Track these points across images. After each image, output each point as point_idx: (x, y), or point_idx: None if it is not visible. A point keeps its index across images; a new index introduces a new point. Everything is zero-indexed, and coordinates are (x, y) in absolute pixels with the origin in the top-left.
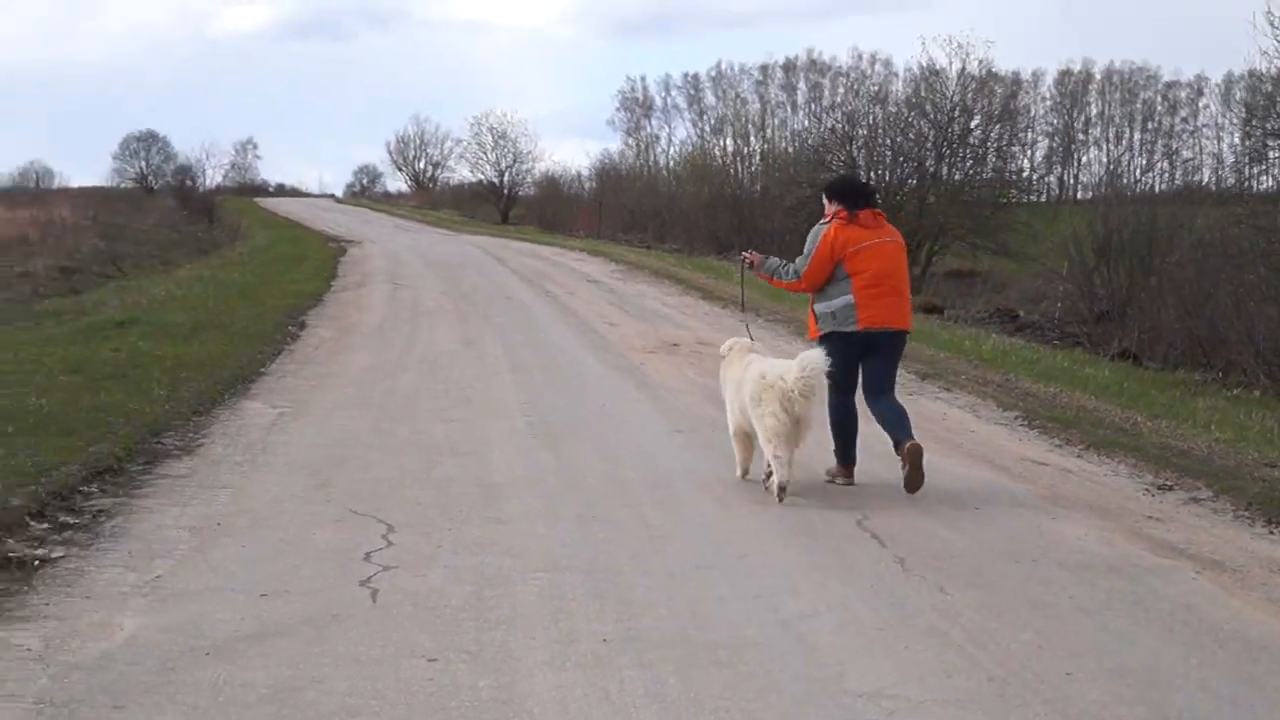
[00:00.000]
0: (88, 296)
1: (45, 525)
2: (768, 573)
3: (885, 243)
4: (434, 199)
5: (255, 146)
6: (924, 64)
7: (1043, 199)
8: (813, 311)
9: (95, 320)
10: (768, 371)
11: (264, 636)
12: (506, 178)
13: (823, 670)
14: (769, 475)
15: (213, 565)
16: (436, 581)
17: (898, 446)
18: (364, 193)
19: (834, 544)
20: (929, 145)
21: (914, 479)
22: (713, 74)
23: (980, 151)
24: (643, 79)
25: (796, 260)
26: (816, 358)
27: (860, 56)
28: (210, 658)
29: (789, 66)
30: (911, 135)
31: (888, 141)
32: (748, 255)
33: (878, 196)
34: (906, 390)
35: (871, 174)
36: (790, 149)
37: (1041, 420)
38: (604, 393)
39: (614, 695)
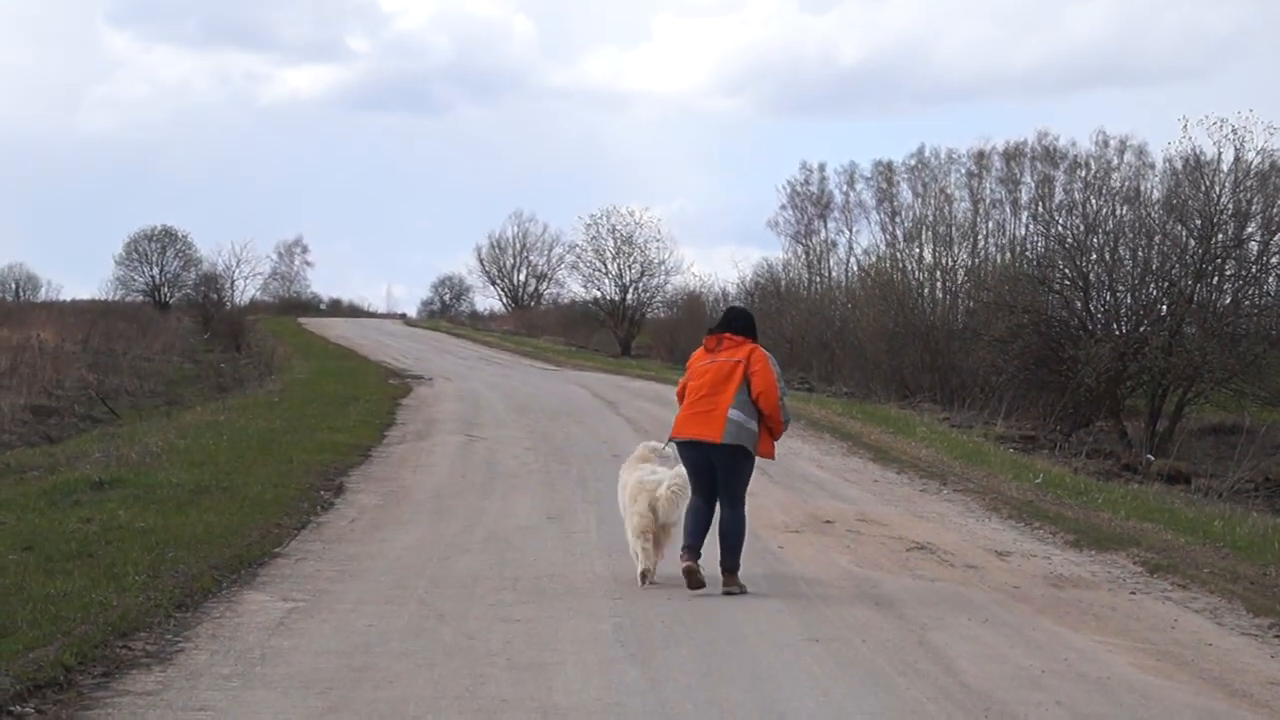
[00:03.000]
0: (63, 447)
1: None
2: None
3: (710, 364)
4: (534, 322)
5: (305, 250)
6: (1186, 153)
7: None
8: None
9: (66, 479)
10: (646, 477)
11: None
12: (630, 295)
13: None
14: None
15: None
16: None
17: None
18: (444, 312)
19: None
20: (1188, 259)
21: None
22: (912, 162)
23: (1256, 268)
24: (821, 168)
25: None
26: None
27: (1105, 142)
28: None
29: (1012, 154)
30: (1165, 246)
31: (1132, 254)
32: None
33: (740, 320)
34: (1128, 589)
35: (1108, 295)
36: (1005, 262)
37: None
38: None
39: None
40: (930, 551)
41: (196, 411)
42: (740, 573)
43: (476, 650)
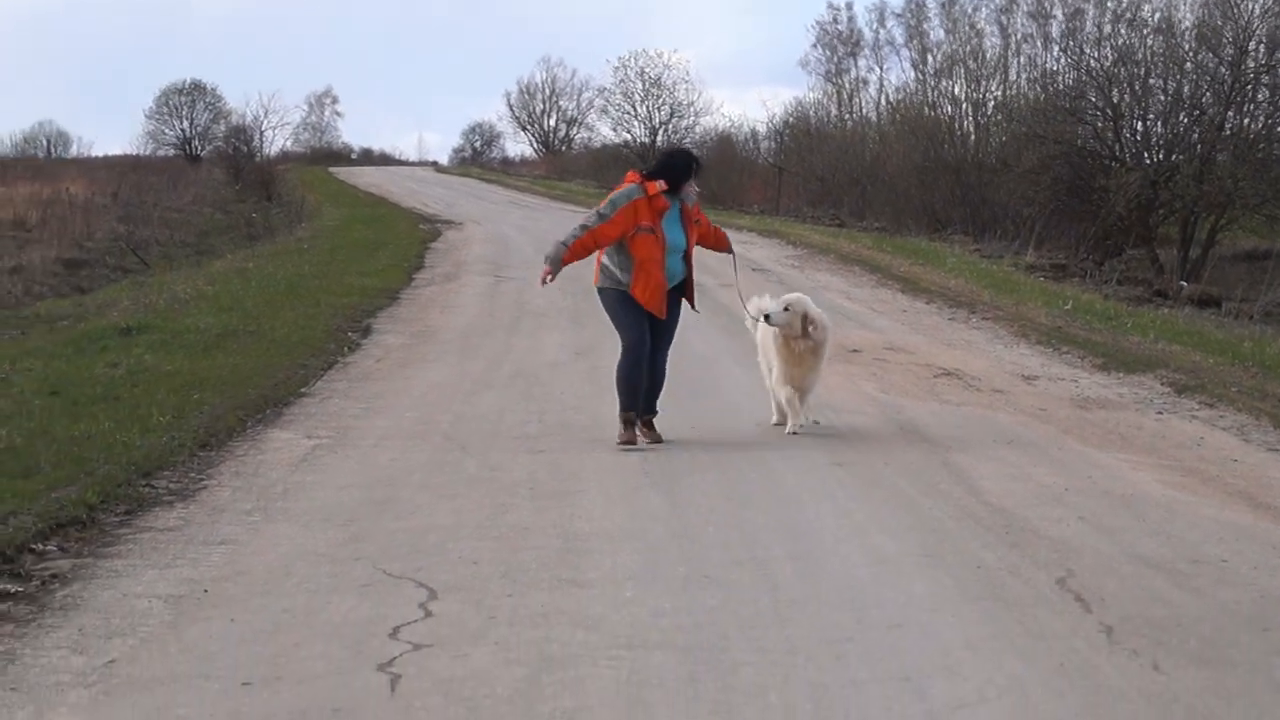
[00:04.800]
0: (93, 297)
1: None
2: (925, 648)
3: None
4: (565, 166)
5: (335, 100)
6: None
7: None
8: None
9: (94, 326)
10: None
11: None
12: (660, 137)
13: None
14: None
15: (186, 645)
16: (480, 664)
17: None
18: (476, 159)
19: (1022, 609)
20: (1219, 87)
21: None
22: None
23: None
24: (849, 5)
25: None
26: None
27: None
28: None
29: None
30: (1196, 74)
31: (1163, 83)
32: None
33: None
34: (1155, 409)
35: (1139, 125)
36: (1036, 96)
37: None
38: (750, 415)
39: None
40: (957, 377)
41: (226, 260)
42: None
43: (499, 481)
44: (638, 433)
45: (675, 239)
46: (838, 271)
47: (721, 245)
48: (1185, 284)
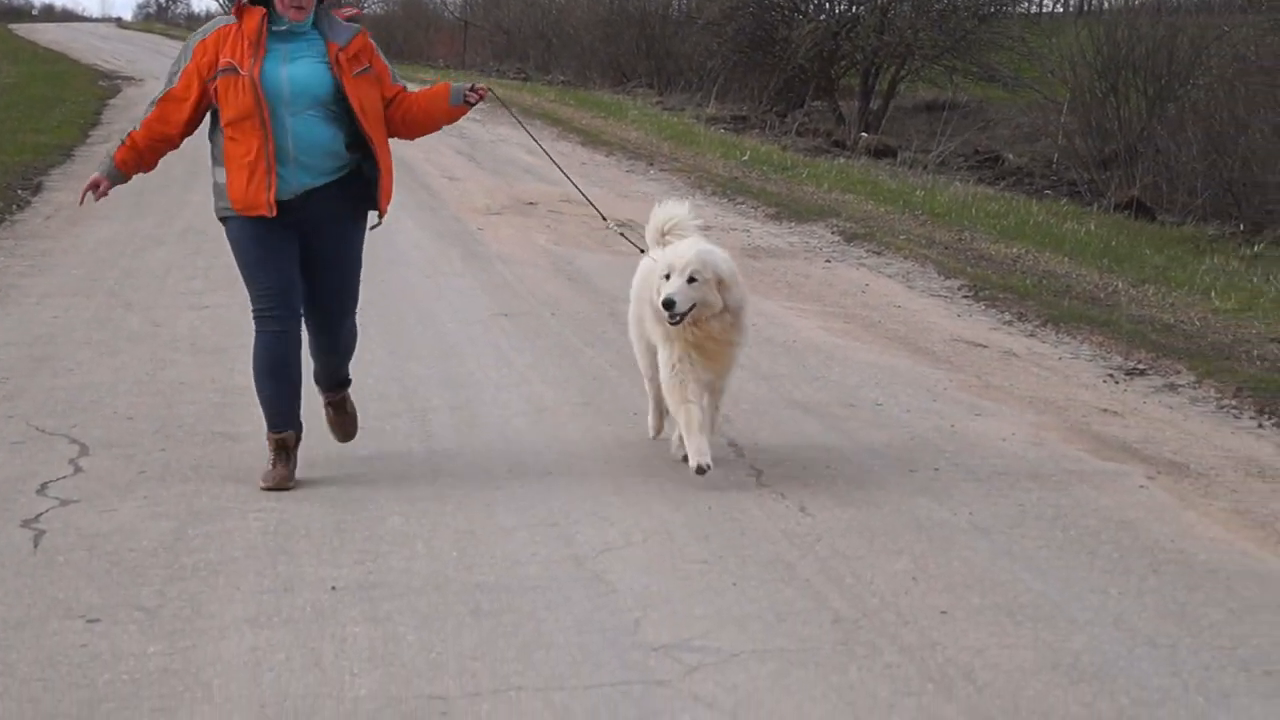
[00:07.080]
0: None
1: None
2: (573, 496)
3: None
4: None
5: None
6: None
7: (1049, 8)
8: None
9: None
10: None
11: None
12: None
13: (615, 618)
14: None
15: None
16: (127, 518)
17: None
18: (161, 15)
19: (674, 458)
20: None
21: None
22: None
23: None
24: None
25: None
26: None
27: None
28: None
29: None
30: None
31: None
32: None
33: None
34: (824, 258)
35: None
36: None
37: (991, 290)
38: (418, 266)
39: (327, 659)
40: (630, 229)
41: None
42: (438, 252)
43: (161, 337)
44: (326, 420)
45: (303, 77)
46: (518, 125)
47: (436, 113)
48: (865, 135)
